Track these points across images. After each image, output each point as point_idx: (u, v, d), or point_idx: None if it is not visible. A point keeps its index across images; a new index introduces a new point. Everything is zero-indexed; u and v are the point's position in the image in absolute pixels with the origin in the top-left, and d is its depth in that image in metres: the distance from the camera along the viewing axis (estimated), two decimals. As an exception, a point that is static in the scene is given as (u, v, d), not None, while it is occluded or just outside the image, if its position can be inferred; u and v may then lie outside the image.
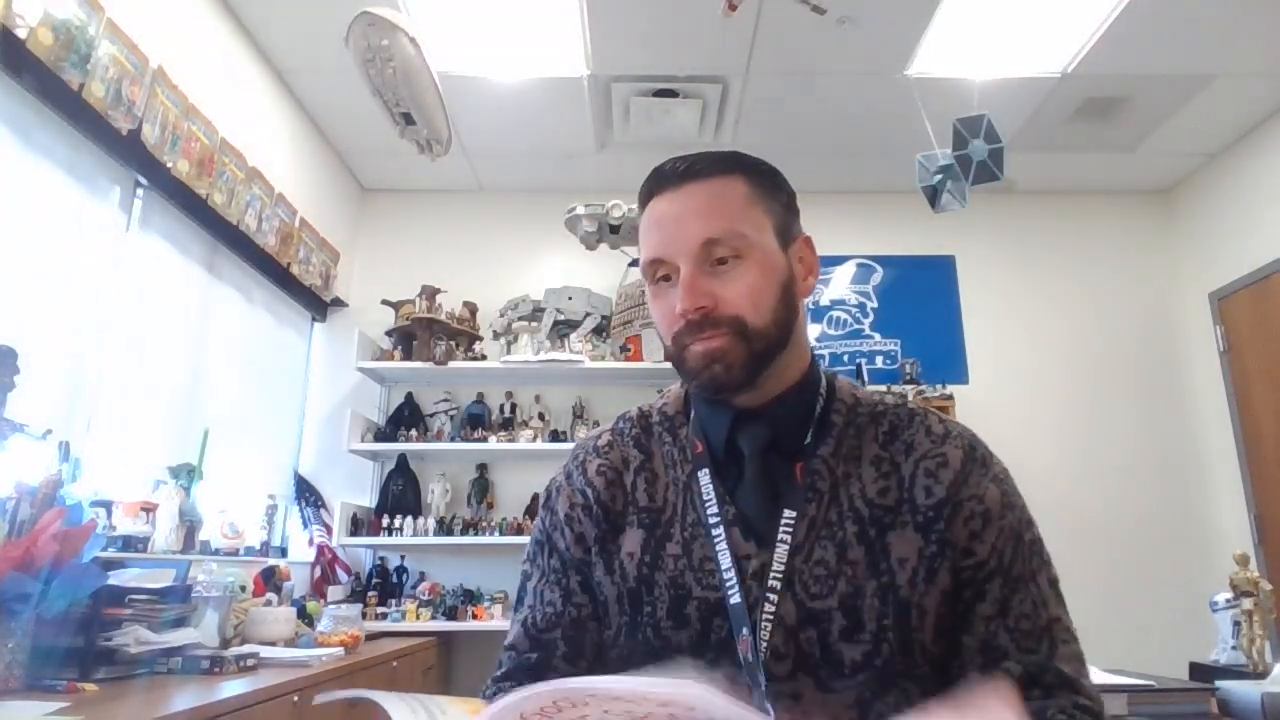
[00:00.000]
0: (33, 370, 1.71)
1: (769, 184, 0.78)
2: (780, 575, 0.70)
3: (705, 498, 0.75)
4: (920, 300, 3.78)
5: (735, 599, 0.70)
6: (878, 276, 3.82)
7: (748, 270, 0.73)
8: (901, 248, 3.84)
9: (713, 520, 0.74)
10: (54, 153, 1.98)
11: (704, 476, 0.76)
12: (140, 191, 2.29)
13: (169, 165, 2.27)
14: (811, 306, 3.74)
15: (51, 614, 1.47)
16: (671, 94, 3.08)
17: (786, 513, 0.72)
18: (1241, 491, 3.41)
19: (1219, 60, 2.90)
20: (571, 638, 0.76)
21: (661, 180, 0.77)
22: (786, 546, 0.71)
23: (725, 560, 0.71)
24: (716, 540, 0.73)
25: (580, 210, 3.10)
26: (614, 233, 3.12)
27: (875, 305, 3.78)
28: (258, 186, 2.75)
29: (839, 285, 3.81)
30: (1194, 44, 2.80)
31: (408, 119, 2.25)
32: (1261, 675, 1.49)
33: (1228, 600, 1.66)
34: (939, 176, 2.49)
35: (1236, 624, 1.63)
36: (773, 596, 0.69)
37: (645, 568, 0.74)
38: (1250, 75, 2.99)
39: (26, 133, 1.89)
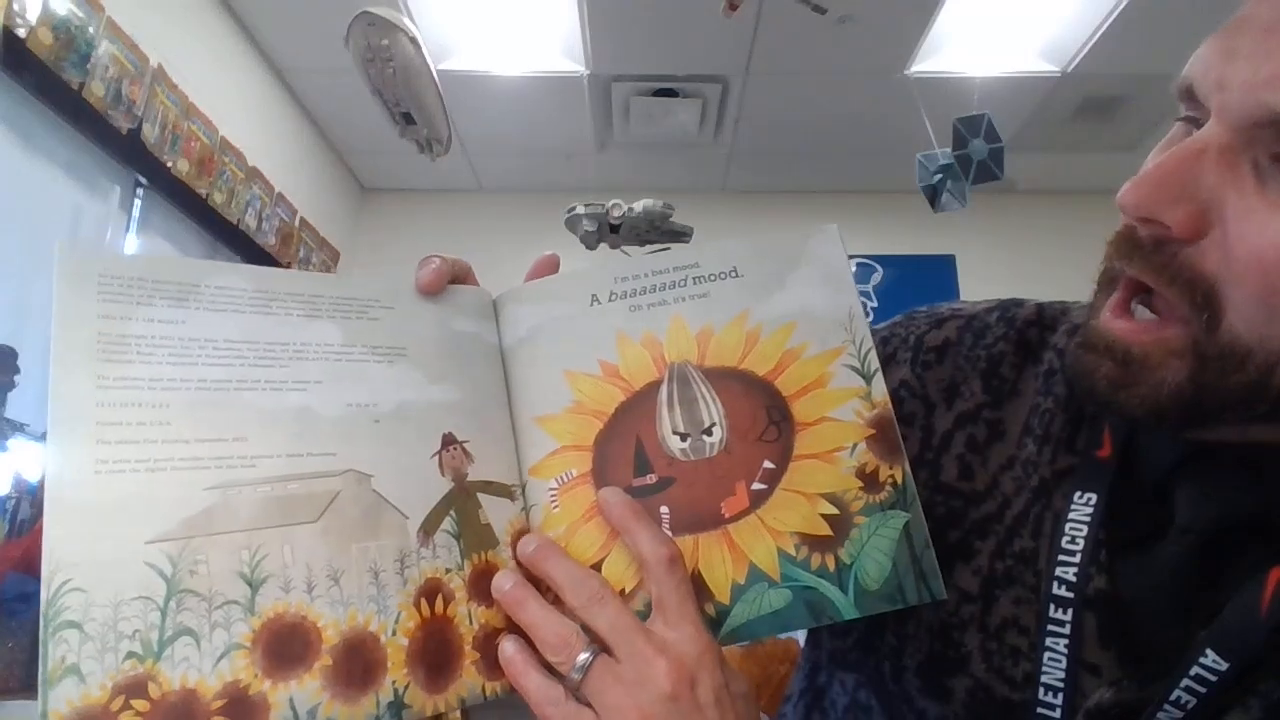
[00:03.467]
0: (33, 370, 1.71)
1: None
2: None
3: (1068, 538, 0.42)
4: (920, 300, 3.72)
5: None
6: (878, 276, 3.82)
7: None
8: (901, 248, 3.84)
9: (1059, 586, 0.42)
10: (54, 153, 1.98)
11: (1084, 503, 0.43)
12: (140, 191, 2.29)
13: (169, 165, 2.27)
14: (811, 306, 3.75)
15: (51, 614, 1.47)
16: (671, 94, 3.07)
17: (1210, 658, 0.37)
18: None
19: (1219, 60, 2.90)
20: None
21: None
22: (1181, 709, 0.38)
23: (1053, 667, 0.42)
24: (1051, 622, 0.42)
25: (580, 210, 3.09)
26: (614, 232, 3.11)
27: (875, 305, 3.78)
28: (258, 186, 2.75)
29: (839, 285, 3.82)
30: (1194, 44, 2.78)
31: (408, 119, 2.25)
32: None
33: None
34: (939, 176, 2.49)
35: None
36: None
37: None
38: (1250, 75, 2.99)
39: (26, 133, 1.89)
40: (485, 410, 0.49)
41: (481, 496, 0.47)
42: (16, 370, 1.64)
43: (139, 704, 0.36)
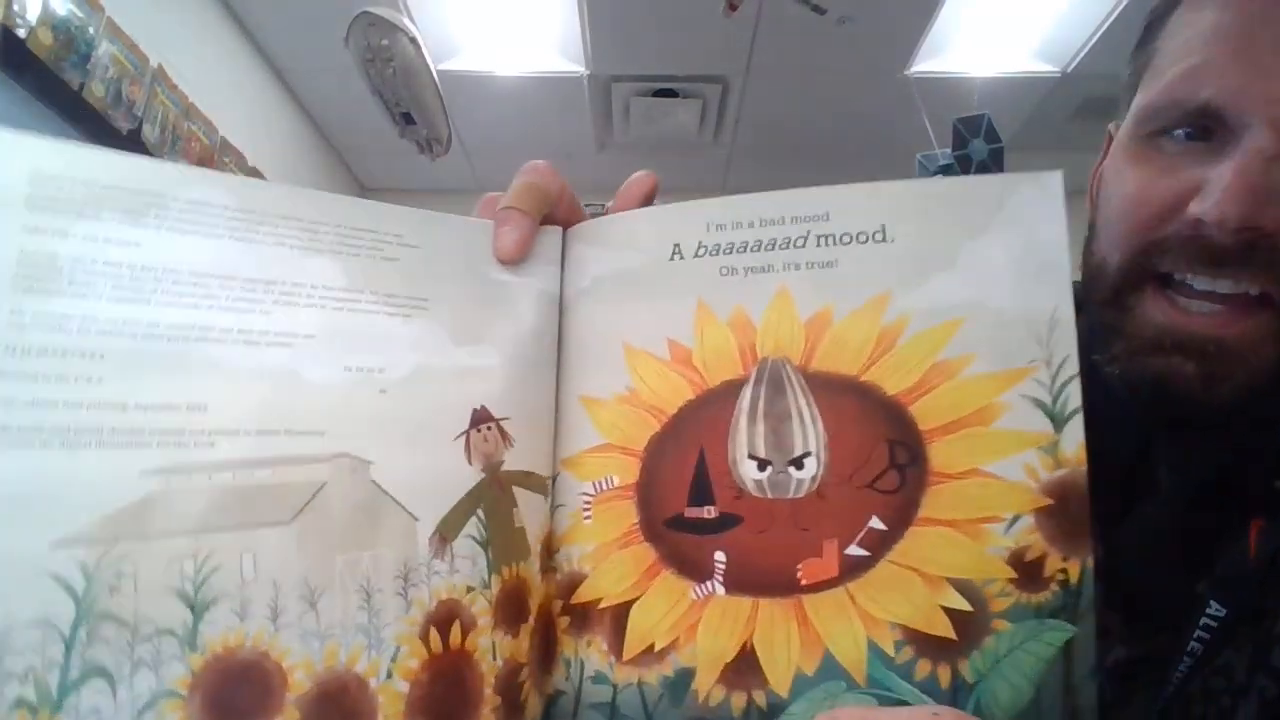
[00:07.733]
0: (33, 370, 1.71)
1: None
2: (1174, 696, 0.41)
3: None
4: (920, 300, 3.77)
5: None
6: (878, 276, 3.82)
7: None
8: (901, 248, 3.84)
9: None
10: (54, 153, 1.98)
11: None
12: (140, 191, 2.29)
13: (169, 165, 2.27)
14: (811, 306, 3.74)
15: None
16: (671, 94, 3.08)
17: (1214, 607, 0.40)
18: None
19: (1219, 60, 2.91)
20: None
21: None
22: (1193, 657, 0.40)
23: None
24: None
25: (580, 210, 3.10)
26: (614, 233, 3.12)
27: (875, 305, 3.78)
28: (258, 186, 2.76)
29: (839, 285, 3.82)
30: (1194, 44, 2.80)
31: (408, 119, 2.25)
32: None
33: None
34: (939, 176, 2.49)
35: None
36: None
37: None
38: (1250, 75, 2.99)
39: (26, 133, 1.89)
40: (530, 380, 0.39)
41: (518, 491, 0.37)
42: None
43: None
